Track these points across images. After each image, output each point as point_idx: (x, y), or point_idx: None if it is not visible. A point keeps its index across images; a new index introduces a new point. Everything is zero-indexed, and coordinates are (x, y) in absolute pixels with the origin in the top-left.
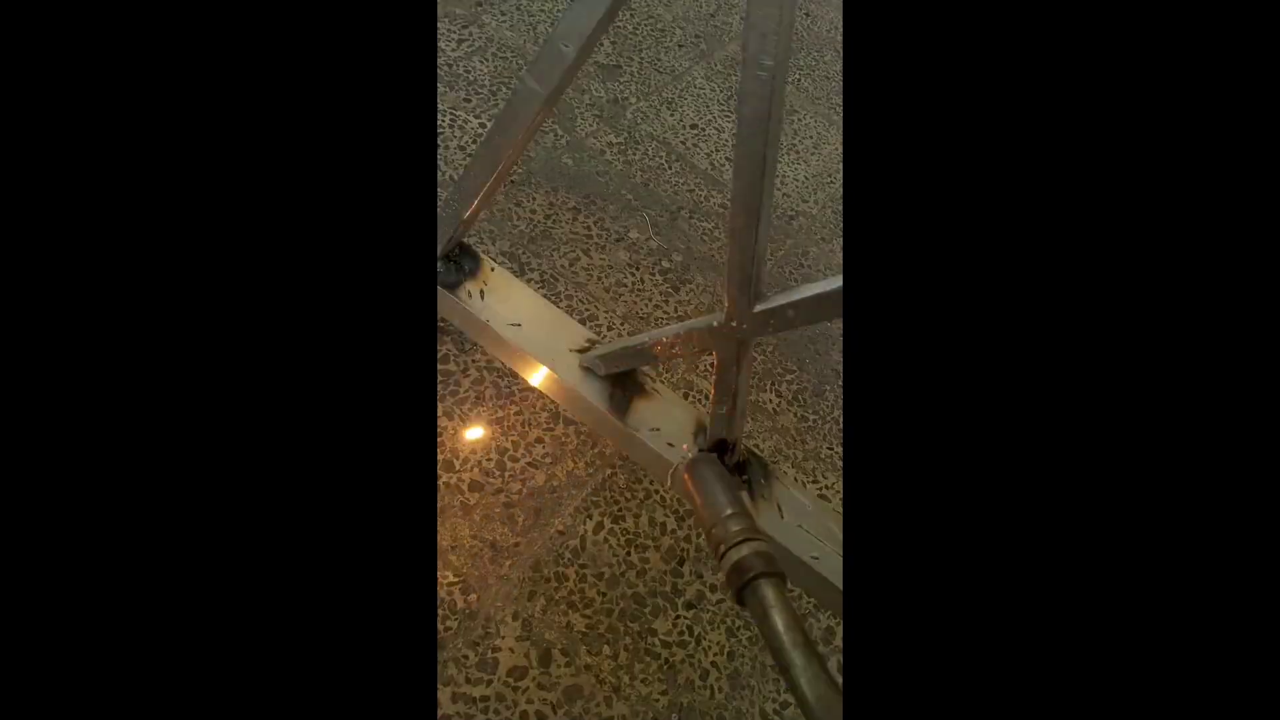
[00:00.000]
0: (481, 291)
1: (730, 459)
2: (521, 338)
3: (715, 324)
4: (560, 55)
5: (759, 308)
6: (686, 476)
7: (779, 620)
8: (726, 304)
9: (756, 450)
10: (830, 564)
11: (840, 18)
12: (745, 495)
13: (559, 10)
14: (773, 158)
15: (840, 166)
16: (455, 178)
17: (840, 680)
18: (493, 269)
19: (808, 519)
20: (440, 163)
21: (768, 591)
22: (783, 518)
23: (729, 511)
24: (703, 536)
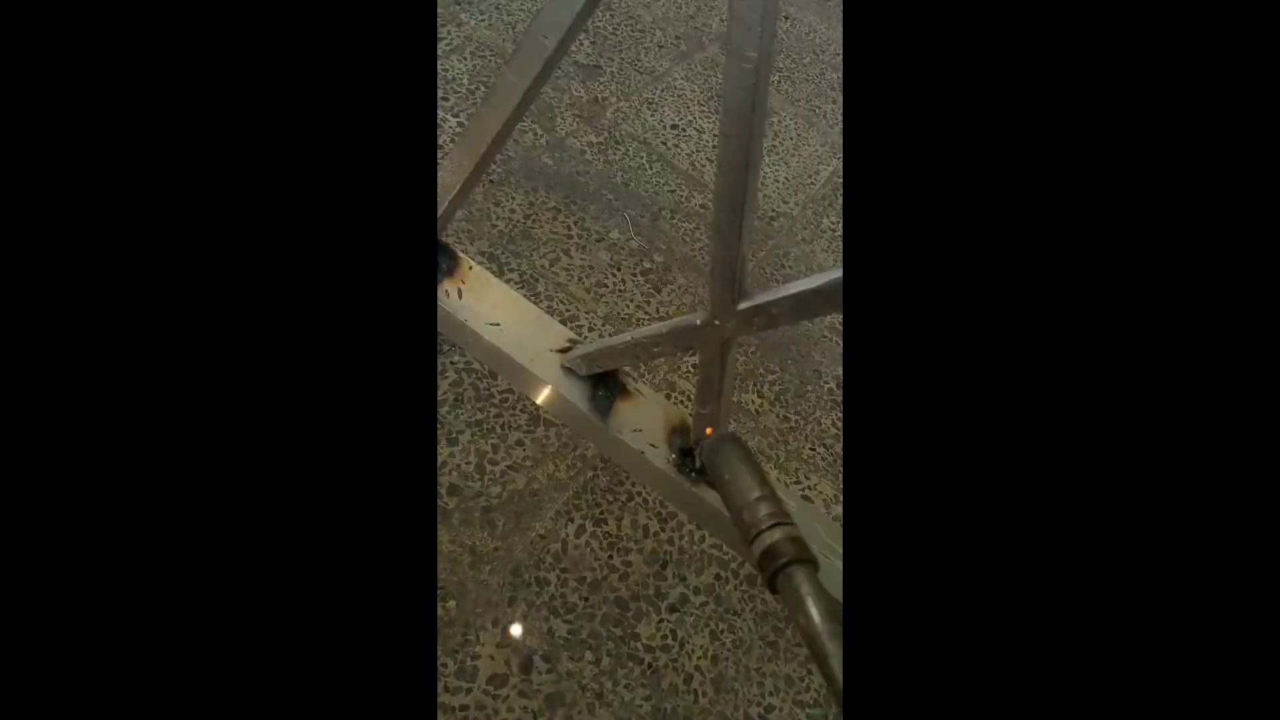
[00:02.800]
0: (460, 290)
1: None
2: (501, 338)
3: (698, 322)
4: (540, 47)
5: (742, 305)
6: (710, 456)
7: (814, 609)
8: (709, 302)
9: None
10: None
11: (819, 21)
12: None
13: (537, 8)
14: (757, 152)
15: (819, 168)
16: None
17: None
18: (471, 268)
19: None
20: None
21: (802, 579)
22: None
23: (757, 494)
24: (700, 532)
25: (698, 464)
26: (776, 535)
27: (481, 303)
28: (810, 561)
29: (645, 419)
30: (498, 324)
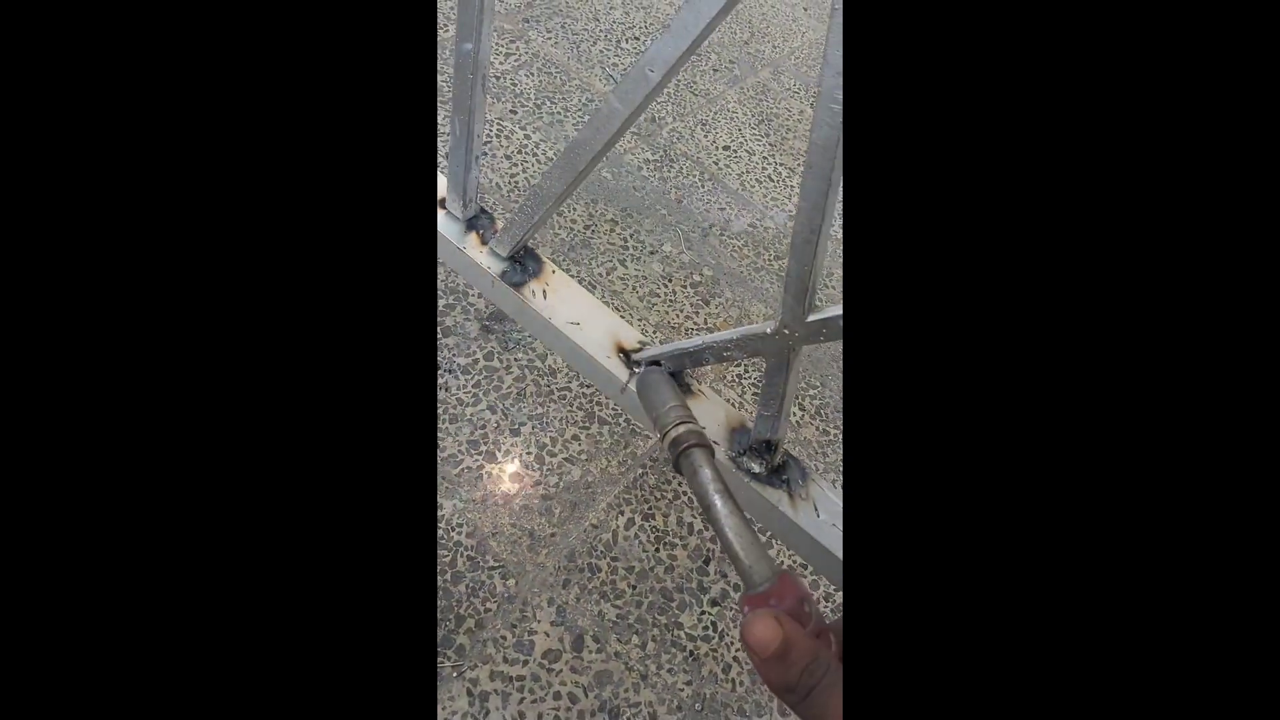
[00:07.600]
0: (544, 291)
1: (772, 459)
2: (582, 336)
3: (769, 331)
4: (645, 79)
5: (812, 318)
6: (635, 388)
7: (704, 474)
8: (781, 312)
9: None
10: None
11: None
12: (785, 493)
13: (601, 29)
14: (838, 181)
15: None
16: (499, 184)
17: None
18: (554, 271)
19: (842, 518)
20: (488, 170)
21: (697, 455)
22: (819, 516)
23: (670, 404)
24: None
25: (768, 463)
26: (681, 429)
27: (563, 303)
28: (707, 447)
29: (708, 418)
30: (578, 323)
